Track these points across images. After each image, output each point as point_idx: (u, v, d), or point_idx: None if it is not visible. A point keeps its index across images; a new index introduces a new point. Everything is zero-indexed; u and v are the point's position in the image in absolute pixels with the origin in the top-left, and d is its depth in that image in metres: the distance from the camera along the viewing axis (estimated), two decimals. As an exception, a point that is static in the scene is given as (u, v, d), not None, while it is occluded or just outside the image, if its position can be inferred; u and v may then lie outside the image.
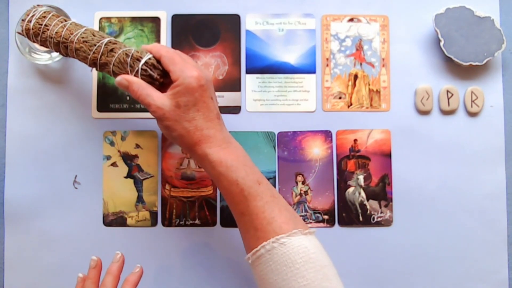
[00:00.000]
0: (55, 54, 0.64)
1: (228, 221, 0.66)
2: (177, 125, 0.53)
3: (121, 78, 0.55)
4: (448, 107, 0.67)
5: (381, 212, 0.67)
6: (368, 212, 0.67)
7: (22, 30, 0.59)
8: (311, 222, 0.67)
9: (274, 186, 0.67)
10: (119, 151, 0.67)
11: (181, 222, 0.66)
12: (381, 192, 0.67)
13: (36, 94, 0.67)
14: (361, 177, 0.67)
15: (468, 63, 0.66)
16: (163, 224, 0.66)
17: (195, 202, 0.67)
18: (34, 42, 0.60)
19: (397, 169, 0.67)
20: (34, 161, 0.66)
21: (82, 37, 0.57)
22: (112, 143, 0.67)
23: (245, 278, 0.66)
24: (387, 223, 0.67)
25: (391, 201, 0.67)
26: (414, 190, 0.67)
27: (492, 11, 0.68)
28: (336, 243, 0.66)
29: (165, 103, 0.53)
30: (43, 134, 0.67)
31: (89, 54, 0.56)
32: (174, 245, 0.66)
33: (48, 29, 0.58)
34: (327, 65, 0.68)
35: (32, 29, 0.58)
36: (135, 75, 0.55)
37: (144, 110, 0.66)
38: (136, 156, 0.67)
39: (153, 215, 0.67)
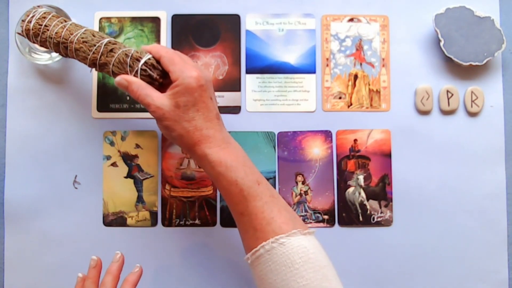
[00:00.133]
0: (55, 54, 0.64)
1: (228, 221, 0.66)
2: (176, 125, 0.53)
3: (120, 78, 0.55)
4: (448, 107, 0.67)
5: (381, 212, 0.67)
6: (368, 212, 0.67)
7: (22, 31, 0.59)
8: (311, 222, 0.67)
9: (274, 186, 0.67)
10: (119, 151, 0.67)
11: (181, 222, 0.66)
12: (381, 192, 0.67)
13: (36, 94, 0.67)
14: (361, 177, 0.67)
15: (468, 63, 0.66)
16: (163, 224, 0.67)
17: (195, 202, 0.67)
18: (34, 42, 0.60)
19: (397, 169, 0.67)
20: (34, 161, 0.66)
21: (82, 38, 0.57)
22: (112, 143, 0.67)
23: (245, 278, 0.66)
24: (387, 223, 0.67)
25: (391, 201, 0.67)
26: (414, 190, 0.67)
27: (492, 11, 0.68)
28: (336, 243, 0.66)
29: (165, 103, 0.53)
30: (43, 134, 0.67)
31: (88, 55, 0.56)
32: (174, 245, 0.66)
33: (48, 30, 0.58)
34: (327, 65, 0.68)
35: (32, 29, 0.58)
36: (134, 75, 0.55)
37: (144, 110, 0.66)
38: (136, 156, 0.67)
39: (153, 215, 0.67)
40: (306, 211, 0.67)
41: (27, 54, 0.64)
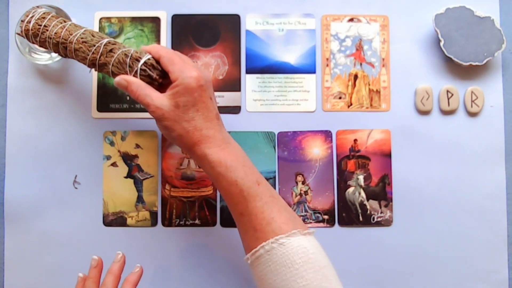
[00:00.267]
0: (55, 54, 0.64)
1: (228, 221, 0.66)
2: (176, 125, 0.53)
3: (120, 78, 0.55)
4: (448, 107, 0.67)
5: (381, 212, 0.67)
6: (368, 212, 0.67)
7: (21, 31, 0.59)
8: (311, 222, 0.67)
9: (274, 186, 0.67)
10: (119, 151, 0.67)
11: (181, 222, 0.66)
12: (381, 192, 0.67)
13: (36, 94, 0.67)
14: (361, 177, 0.67)
15: (468, 63, 0.66)
16: (163, 224, 0.67)
17: (195, 202, 0.67)
18: (33, 43, 0.60)
19: (397, 169, 0.67)
20: (34, 161, 0.66)
21: (81, 38, 0.57)
22: (112, 143, 0.67)
23: (245, 278, 0.66)
24: (387, 223, 0.67)
25: (391, 201, 0.67)
26: (414, 190, 0.67)
27: (492, 11, 0.68)
28: (336, 243, 0.66)
29: (164, 103, 0.53)
30: (43, 134, 0.67)
31: (88, 55, 0.56)
32: (174, 245, 0.66)
33: (47, 30, 0.58)
34: (327, 65, 0.68)
35: (32, 29, 0.58)
36: (134, 76, 0.55)
37: (144, 110, 0.66)
38: (136, 156, 0.67)
39: (153, 215, 0.67)
40: (306, 211, 0.67)
41: (27, 54, 0.64)
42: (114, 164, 0.67)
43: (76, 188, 0.67)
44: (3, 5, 0.68)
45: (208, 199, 0.67)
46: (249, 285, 0.65)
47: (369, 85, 0.68)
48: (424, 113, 0.68)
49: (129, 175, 0.67)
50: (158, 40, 0.68)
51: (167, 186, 0.67)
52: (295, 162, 0.67)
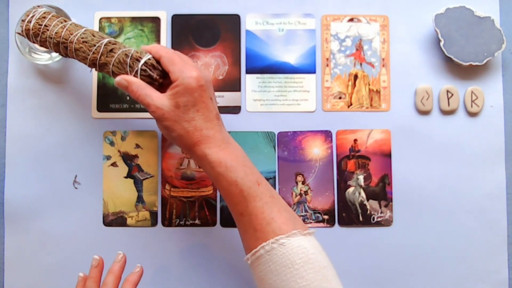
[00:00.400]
0: (55, 54, 0.64)
1: (228, 221, 0.66)
2: (176, 125, 0.53)
3: (120, 78, 0.55)
4: (448, 107, 0.67)
5: (381, 212, 0.67)
6: (368, 212, 0.67)
7: (22, 31, 0.59)
8: (311, 222, 0.67)
9: (274, 186, 0.67)
10: (119, 151, 0.67)
11: (181, 222, 0.66)
12: (381, 192, 0.67)
13: (36, 94, 0.67)
14: (361, 177, 0.67)
15: (468, 63, 0.66)
16: (163, 224, 0.67)
17: (195, 202, 0.67)
18: (33, 42, 0.60)
19: (397, 169, 0.67)
20: (34, 161, 0.66)
21: (82, 38, 0.57)
22: (112, 143, 0.67)
23: (245, 279, 0.66)
24: (387, 223, 0.67)
25: (391, 201, 0.67)
26: (414, 190, 0.67)
27: (492, 11, 0.68)
28: (336, 243, 0.66)
29: (165, 103, 0.53)
30: (43, 134, 0.67)
31: (88, 55, 0.56)
32: (174, 245, 0.66)
33: (48, 30, 0.58)
34: (327, 65, 0.68)
35: (32, 29, 0.58)
36: (134, 76, 0.55)
37: (144, 110, 0.66)
38: (136, 156, 0.67)
39: (153, 215, 0.67)
40: (306, 211, 0.67)
41: (27, 54, 0.64)
42: (114, 164, 0.67)
43: (76, 188, 0.67)
44: (3, 5, 0.68)
45: (208, 199, 0.67)
46: (249, 285, 0.65)
47: (369, 85, 0.68)
48: (424, 113, 0.68)
49: (129, 175, 0.67)
50: (158, 40, 0.68)
51: (167, 186, 0.67)
52: (295, 162, 0.67)
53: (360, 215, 0.67)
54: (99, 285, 0.53)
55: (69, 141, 0.67)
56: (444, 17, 0.66)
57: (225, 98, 0.68)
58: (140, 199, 0.67)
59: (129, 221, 0.66)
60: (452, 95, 0.67)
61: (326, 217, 0.67)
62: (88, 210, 0.66)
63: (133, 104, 0.67)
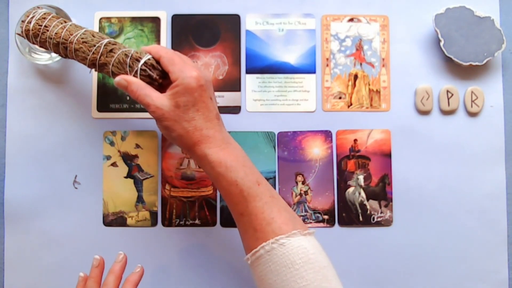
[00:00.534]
0: (55, 54, 0.64)
1: (228, 221, 0.66)
2: (176, 125, 0.53)
3: (120, 78, 0.55)
4: (448, 107, 0.67)
5: (381, 212, 0.67)
6: (368, 212, 0.67)
7: (22, 31, 0.59)
8: (311, 222, 0.67)
9: (274, 186, 0.67)
10: (119, 151, 0.67)
11: (181, 222, 0.66)
12: (381, 192, 0.67)
13: (36, 94, 0.67)
14: (361, 177, 0.67)
15: (468, 63, 0.66)
16: (163, 224, 0.67)
17: (195, 202, 0.67)
18: (33, 43, 0.60)
19: (397, 169, 0.67)
20: (34, 161, 0.66)
21: (82, 38, 0.57)
22: (112, 143, 0.67)
23: (245, 279, 0.66)
24: (387, 223, 0.67)
25: (391, 201, 0.67)
26: (414, 190, 0.67)
27: (492, 11, 0.68)
28: (336, 243, 0.66)
29: (164, 103, 0.53)
30: (43, 134, 0.67)
31: (88, 55, 0.56)
32: (174, 245, 0.66)
33: (47, 30, 0.58)
34: (327, 65, 0.68)
35: (32, 30, 0.58)
36: (134, 76, 0.55)
37: (144, 110, 0.66)
38: (136, 156, 0.67)
39: (153, 215, 0.67)
40: (306, 211, 0.67)
41: (27, 54, 0.64)
42: (114, 164, 0.67)
43: (76, 188, 0.67)
44: (3, 5, 0.68)
45: (208, 199, 0.67)
46: (249, 285, 0.65)
47: (369, 85, 0.68)
48: (424, 113, 0.68)
49: (129, 175, 0.67)
50: (158, 40, 0.68)
51: (167, 186, 0.67)
52: (295, 162, 0.67)
53: (360, 215, 0.67)
54: (100, 285, 0.53)
55: (69, 141, 0.67)
56: (444, 17, 0.66)
57: (225, 98, 0.68)
58: (140, 199, 0.67)
59: (129, 221, 0.66)
60: (452, 95, 0.67)
61: (326, 217, 0.67)
62: (88, 210, 0.66)
63: (133, 104, 0.67)
